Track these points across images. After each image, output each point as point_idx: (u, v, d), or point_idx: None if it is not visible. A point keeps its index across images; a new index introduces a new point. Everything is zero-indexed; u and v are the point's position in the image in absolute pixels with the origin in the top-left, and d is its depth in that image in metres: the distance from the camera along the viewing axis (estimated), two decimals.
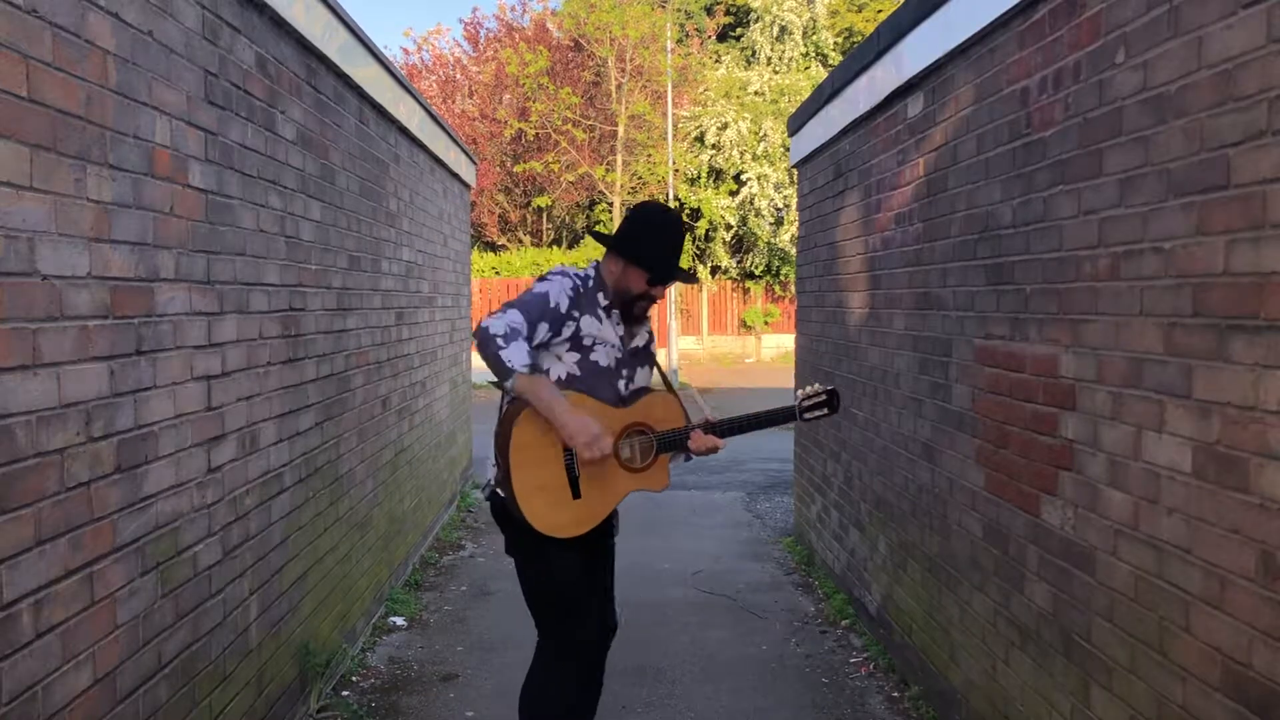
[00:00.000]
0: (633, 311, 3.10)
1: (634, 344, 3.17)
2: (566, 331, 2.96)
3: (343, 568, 4.61)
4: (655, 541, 7.18)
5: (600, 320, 3.04)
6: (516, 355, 2.74)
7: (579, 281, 3.02)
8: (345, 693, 4.42)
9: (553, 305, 2.92)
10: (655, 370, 3.32)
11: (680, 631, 5.28)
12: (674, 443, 3.10)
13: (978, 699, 3.68)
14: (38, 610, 2.15)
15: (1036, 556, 3.18)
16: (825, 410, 3.35)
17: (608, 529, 3.21)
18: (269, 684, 3.61)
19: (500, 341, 2.75)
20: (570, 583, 3.04)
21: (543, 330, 2.90)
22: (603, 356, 3.02)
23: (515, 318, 2.81)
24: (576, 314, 2.97)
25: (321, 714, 4.14)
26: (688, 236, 24.32)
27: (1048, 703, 3.10)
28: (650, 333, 3.32)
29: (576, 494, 2.91)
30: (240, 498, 3.31)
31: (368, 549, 5.09)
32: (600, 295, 3.07)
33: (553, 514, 2.89)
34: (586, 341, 3.00)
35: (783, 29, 26.73)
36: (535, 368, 2.87)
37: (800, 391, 3.37)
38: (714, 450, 3.14)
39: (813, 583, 6.23)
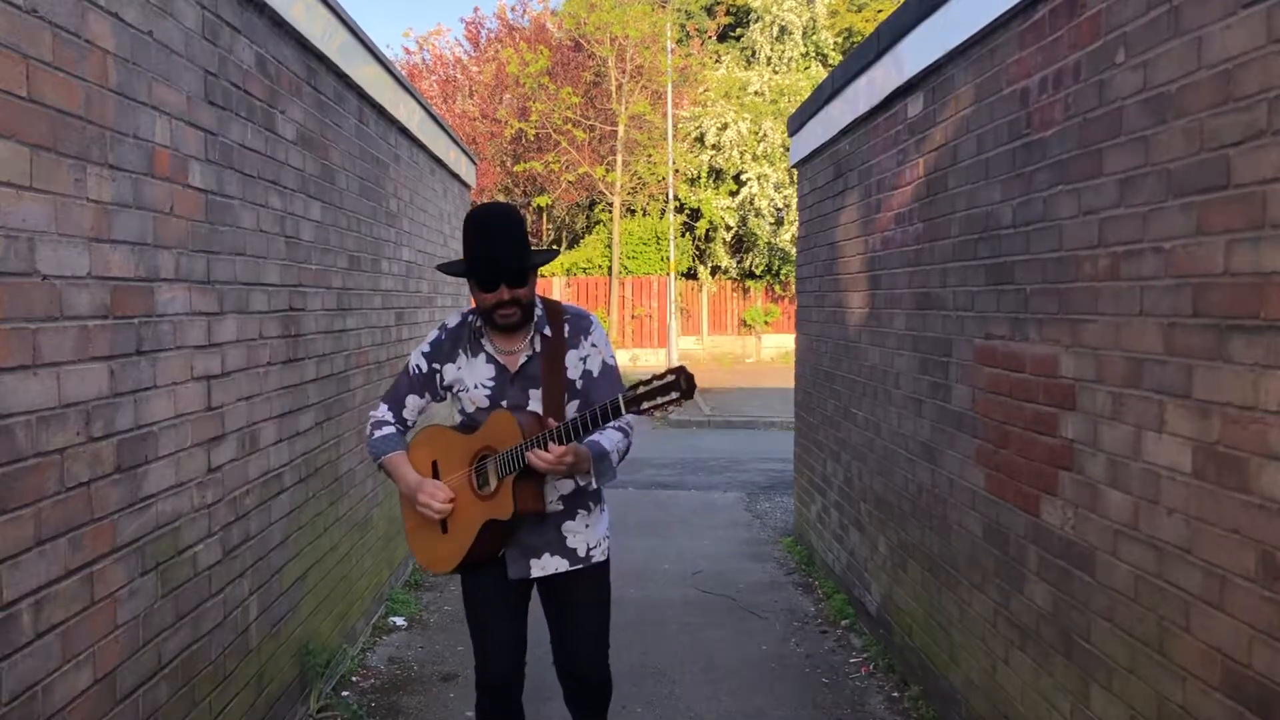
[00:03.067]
0: (497, 324, 2.86)
1: (519, 363, 2.91)
2: (440, 385, 3.01)
3: (343, 568, 4.61)
4: (655, 541, 7.18)
5: (462, 362, 2.95)
6: (372, 451, 3.02)
7: (445, 333, 3.00)
8: (345, 693, 4.42)
9: (412, 374, 3.03)
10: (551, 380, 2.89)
11: (680, 631, 5.28)
12: (511, 462, 2.74)
13: (978, 699, 3.68)
14: (38, 610, 2.15)
15: (1036, 556, 3.18)
16: (672, 394, 2.56)
17: (525, 584, 3.01)
18: (269, 684, 3.61)
19: (370, 442, 3.04)
20: (472, 617, 3.06)
21: (414, 401, 3.03)
22: (469, 401, 2.94)
23: (380, 411, 3.06)
24: (437, 365, 3.00)
25: (321, 714, 4.14)
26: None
27: (1048, 703, 3.10)
28: (543, 340, 2.91)
29: (445, 529, 2.95)
30: (240, 498, 3.31)
31: (368, 549, 5.09)
32: (468, 333, 2.97)
33: (428, 550, 3.00)
34: (454, 389, 2.98)
35: (783, 29, 26.72)
36: (385, 454, 3.00)
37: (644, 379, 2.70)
38: (559, 464, 2.66)
39: (813, 583, 6.23)
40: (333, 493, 4.43)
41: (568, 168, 23.72)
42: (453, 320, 3.01)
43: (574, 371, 2.93)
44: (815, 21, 26.95)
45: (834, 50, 27.02)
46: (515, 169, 24.24)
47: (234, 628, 3.25)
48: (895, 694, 4.50)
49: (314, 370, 4.11)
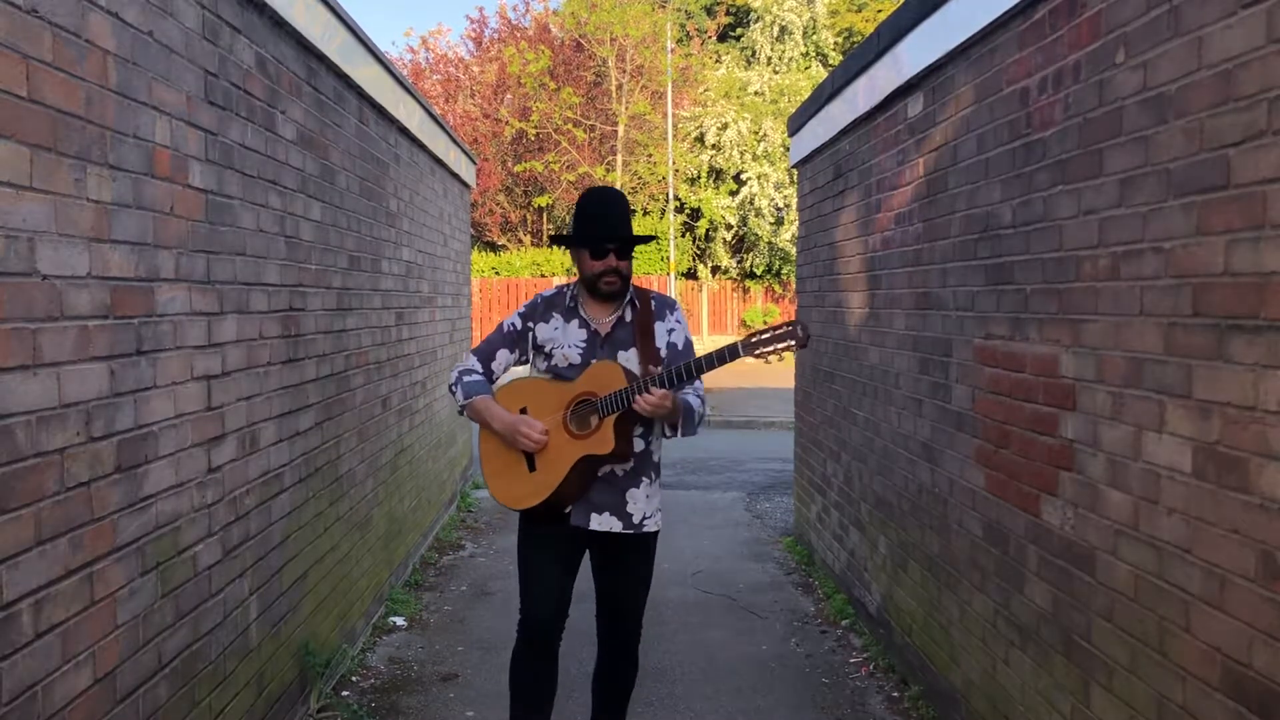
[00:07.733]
0: (599, 290, 3.26)
1: (610, 329, 3.30)
2: (531, 344, 3.37)
3: (343, 568, 4.62)
4: None
5: (557, 324, 3.32)
6: (461, 392, 3.34)
7: (540, 299, 3.41)
8: (345, 693, 4.42)
9: (506, 331, 3.41)
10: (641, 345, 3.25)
11: (680, 631, 5.28)
12: (616, 403, 3.09)
13: (978, 699, 3.69)
14: (38, 610, 2.15)
15: (1036, 556, 3.18)
16: (789, 341, 2.96)
17: (586, 533, 3.30)
18: (269, 684, 3.61)
19: (453, 387, 3.39)
20: (526, 561, 3.38)
21: (504, 355, 3.40)
22: (563, 358, 3.29)
23: (468, 362, 3.41)
24: (531, 324, 3.36)
25: (321, 714, 4.14)
26: (679, 227, 24.32)
27: (1048, 703, 3.10)
28: (634, 310, 3.29)
29: (532, 468, 3.25)
30: (240, 498, 3.31)
31: (368, 549, 5.09)
32: (565, 299, 3.36)
33: (512, 488, 3.28)
34: (546, 347, 3.33)
35: (783, 29, 26.74)
36: (474, 396, 3.32)
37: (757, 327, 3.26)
38: (661, 406, 3.01)
39: (813, 583, 6.23)
40: (333, 493, 4.43)
41: (568, 167, 23.74)
42: (549, 291, 3.41)
43: (660, 340, 3.30)
44: (815, 21, 26.97)
45: (834, 50, 27.04)
46: (516, 169, 24.26)
47: (234, 628, 3.25)
48: (895, 694, 4.50)
49: (314, 370, 4.11)
